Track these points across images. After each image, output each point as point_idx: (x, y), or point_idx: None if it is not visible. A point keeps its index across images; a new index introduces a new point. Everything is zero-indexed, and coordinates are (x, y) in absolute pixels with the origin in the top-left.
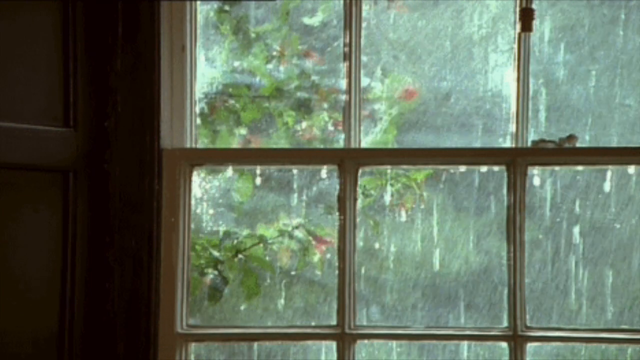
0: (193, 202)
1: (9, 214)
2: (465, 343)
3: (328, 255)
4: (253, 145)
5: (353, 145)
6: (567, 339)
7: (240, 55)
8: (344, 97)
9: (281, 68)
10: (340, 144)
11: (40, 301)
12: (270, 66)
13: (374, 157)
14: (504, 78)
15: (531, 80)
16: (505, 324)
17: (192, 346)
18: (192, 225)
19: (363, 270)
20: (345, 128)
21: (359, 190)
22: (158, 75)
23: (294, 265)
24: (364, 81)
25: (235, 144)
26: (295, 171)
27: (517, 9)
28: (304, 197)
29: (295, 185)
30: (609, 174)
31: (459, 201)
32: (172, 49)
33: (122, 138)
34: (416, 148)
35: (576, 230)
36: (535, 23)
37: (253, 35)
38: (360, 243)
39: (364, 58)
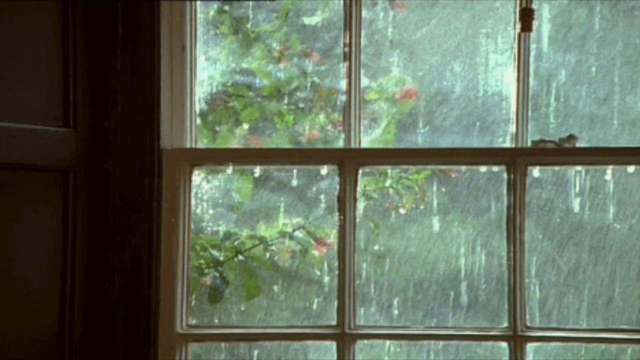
0: (193, 202)
1: (9, 214)
2: (465, 343)
3: (328, 256)
4: (253, 145)
5: (353, 145)
6: (567, 339)
7: (240, 55)
8: (343, 97)
9: (281, 68)
10: (340, 144)
11: (40, 301)
12: (270, 66)
13: (374, 157)
14: (504, 78)
15: (531, 80)
16: (505, 324)
17: (192, 346)
18: (192, 225)
19: (363, 270)
20: (345, 128)
21: (359, 190)
22: (158, 75)
23: (294, 265)
24: (364, 81)
25: (235, 144)
26: (295, 171)
27: (517, 9)
28: (304, 197)
29: (295, 185)
30: (609, 174)
31: (459, 201)
32: (172, 49)
33: (122, 138)
34: (416, 148)
35: (576, 230)
36: (535, 23)
37: (253, 35)
38: (360, 243)
39: (364, 58)
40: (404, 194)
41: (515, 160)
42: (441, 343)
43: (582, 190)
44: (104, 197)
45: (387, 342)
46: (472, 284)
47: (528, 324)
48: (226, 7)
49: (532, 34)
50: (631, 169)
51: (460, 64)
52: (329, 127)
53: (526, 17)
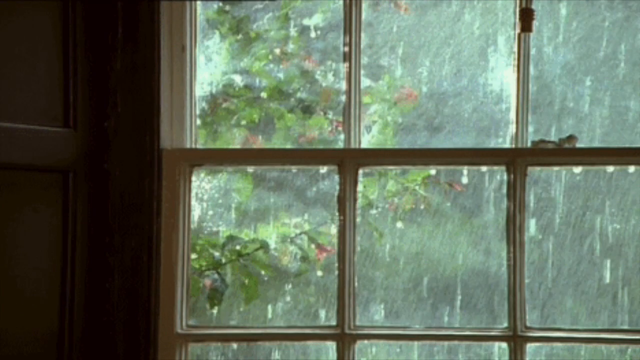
0: (193, 202)
1: (9, 214)
2: (465, 343)
3: (328, 258)
4: (253, 146)
5: (353, 145)
6: (567, 339)
7: (240, 55)
8: (344, 97)
9: (281, 68)
10: (340, 144)
11: (40, 301)
12: (270, 66)
13: (374, 157)
14: (504, 78)
15: (531, 81)
16: (505, 324)
17: (192, 346)
18: (192, 226)
19: (363, 271)
20: (345, 128)
21: (359, 191)
22: (158, 75)
23: (294, 267)
24: (364, 82)
25: (235, 144)
26: (295, 171)
27: (517, 9)
28: (304, 197)
29: (295, 186)
30: (608, 174)
31: (459, 201)
32: (172, 49)
33: (122, 138)
34: (416, 148)
35: (576, 230)
36: (535, 23)
37: (253, 35)
38: (360, 243)
39: (364, 58)
40: (404, 194)
41: (515, 160)
42: (441, 343)
43: (581, 190)
44: (104, 197)
45: (387, 343)
46: (472, 284)
47: (528, 324)
48: (226, 7)
49: (532, 34)
50: (631, 169)
51: (460, 64)
52: (329, 127)
53: (526, 17)
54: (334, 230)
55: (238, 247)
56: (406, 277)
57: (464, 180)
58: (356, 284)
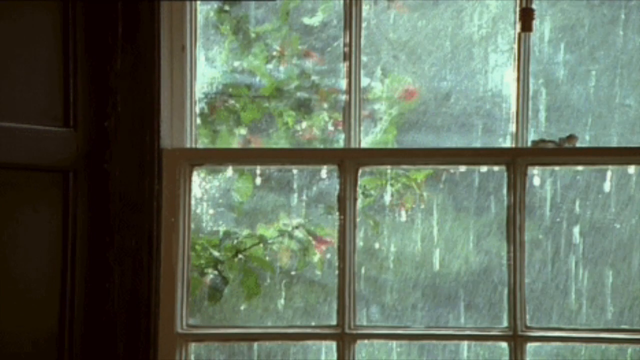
0: (193, 202)
1: (9, 214)
2: (465, 343)
3: (328, 255)
4: (253, 145)
5: (353, 145)
6: (567, 339)
7: (240, 55)
8: (344, 97)
9: (281, 68)
10: (340, 144)
11: (40, 301)
12: (270, 66)
13: (374, 157)
14: (504, 78)
15: (531, 80)
16: (505, 324)
17: (192, 346)
18: (192, 225)
19: (363, 270)
20: (345, 128)
21: (359, 190)
22: (158, 75)
23: (294, 265)
24: (364, 81)
25: (235, 144)
26: (295, 171)
27: (517, 9)
28: (304, 197)
29: (295, 185)
30: (609, 174)
31: (459, 201)
32: (172, 49)
33: (122, 138)
34: (416, 148)
35: (576, 230)
36: (535, 23)
37: (253, 35)
38: (360, 243)
39: (364, 58)
40: (404, 194)
41: (515, 160)
42: (441, 343)
43: (582, 190)
44: (104, 197)
45: (387, 342)
46: (472, 284)
47: (528, 324)
48: (226, 7)
49: (532, 34)
50: (631, 169)
51: (460, 64)
52: (329, 127)
53: (526, 17)
54: (333, 227)
55: (236, 243)
56: (406, 277)
57: (464, 177)
58: (356, 284)
